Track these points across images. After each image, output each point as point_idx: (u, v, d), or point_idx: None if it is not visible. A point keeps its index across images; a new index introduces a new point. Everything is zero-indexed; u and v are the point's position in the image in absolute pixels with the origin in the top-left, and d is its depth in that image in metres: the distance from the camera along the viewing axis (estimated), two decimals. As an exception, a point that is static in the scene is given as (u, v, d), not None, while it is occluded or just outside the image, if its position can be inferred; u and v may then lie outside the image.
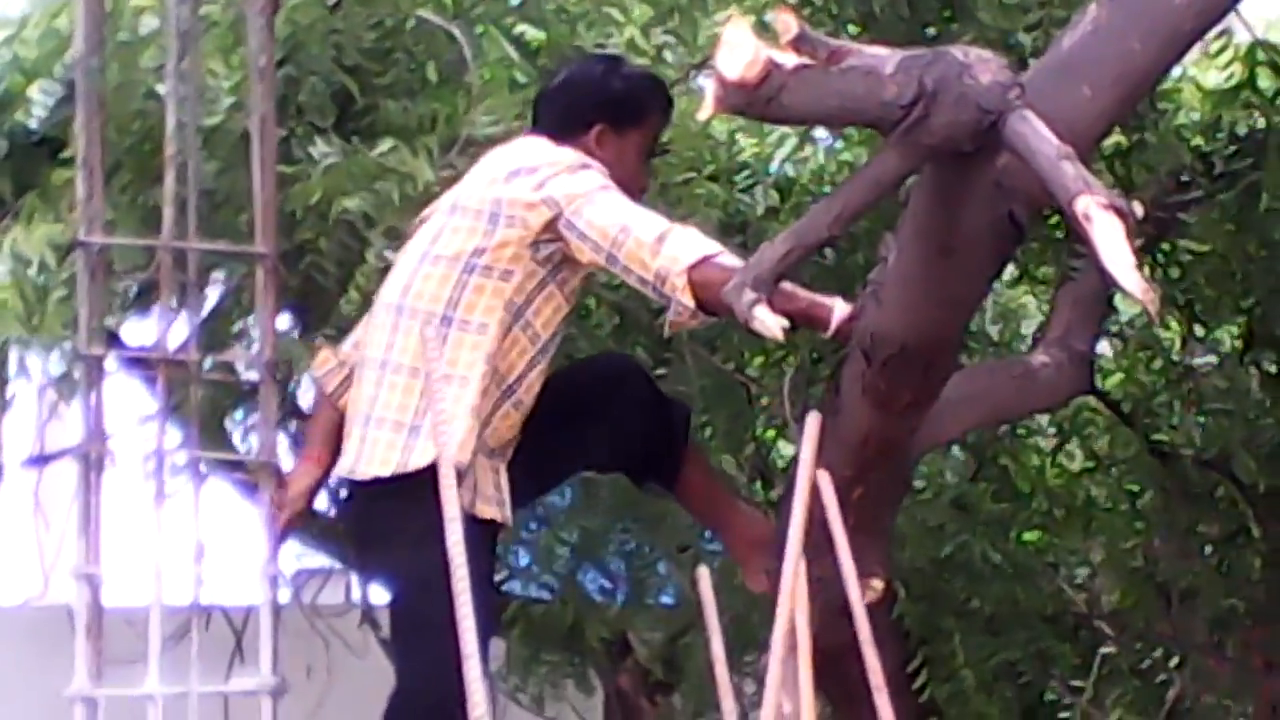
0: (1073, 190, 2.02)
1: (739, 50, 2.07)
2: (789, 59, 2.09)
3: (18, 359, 2.99)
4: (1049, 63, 2.32)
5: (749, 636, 2.89)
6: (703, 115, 2.16)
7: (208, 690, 2.43)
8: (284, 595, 3.77)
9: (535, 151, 2.53)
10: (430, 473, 2.29)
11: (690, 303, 2.37)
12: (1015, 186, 2.23)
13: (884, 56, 2.12)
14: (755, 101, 2.10)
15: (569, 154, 2.50)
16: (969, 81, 2.08)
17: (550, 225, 2.45)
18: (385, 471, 2.45)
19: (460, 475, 2.34)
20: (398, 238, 2.81)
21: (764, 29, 2.42)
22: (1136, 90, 2.35)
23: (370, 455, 2.48)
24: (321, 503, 3.96)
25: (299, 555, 3.87)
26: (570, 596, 3.59)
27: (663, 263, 2.37)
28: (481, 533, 2.43)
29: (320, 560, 3.97)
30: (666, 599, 3.84)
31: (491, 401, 2.47)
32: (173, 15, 2.58)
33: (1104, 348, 3.30)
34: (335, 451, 2.55)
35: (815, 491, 2.55)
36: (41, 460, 3.44)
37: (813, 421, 1.79)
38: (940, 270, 2.34)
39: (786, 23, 2.09)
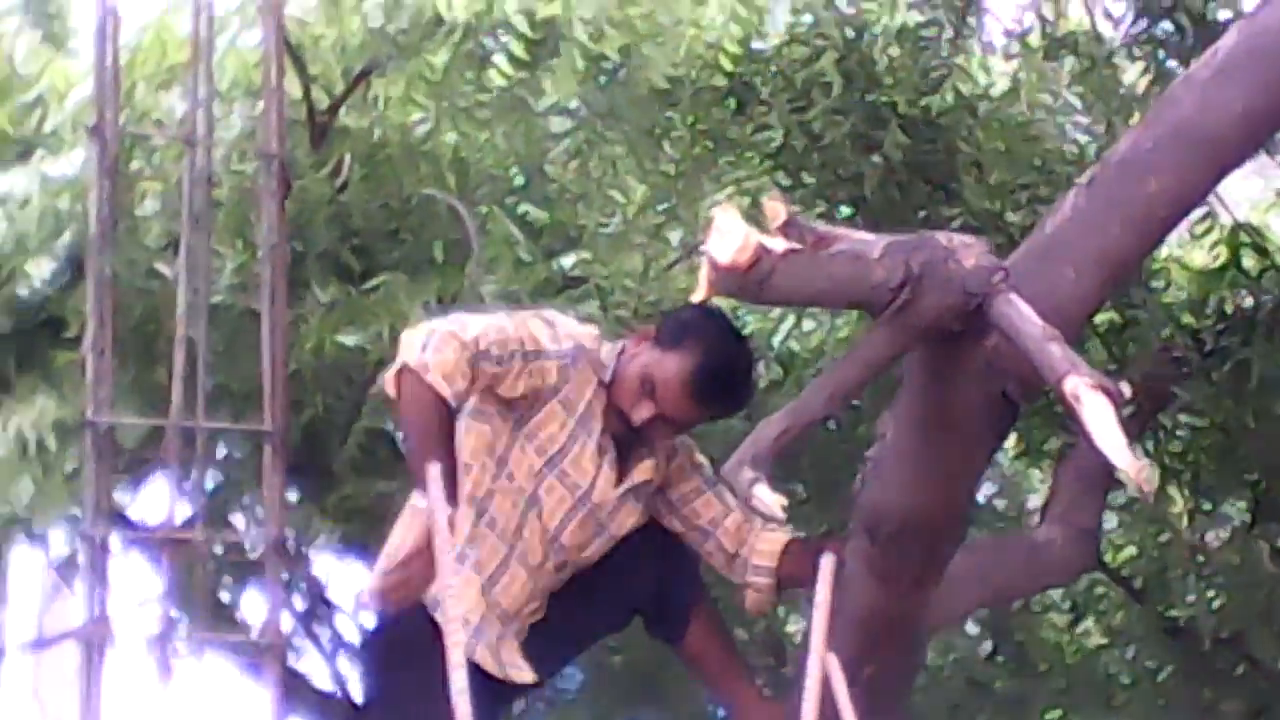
0: (1060, 371, 2.12)
1: (729, 236, 2.20)
2: (778, 244, 2.22)
3: (20, 539, 3.09)
4: (1033, 246, 2.44)
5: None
6: (696, 298, 2.29)
7: None
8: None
9: None
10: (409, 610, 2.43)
11: (391, 392, 2.47)
12: (1007, 366, 2.33)
13: (871, 241, 2.25)
14: (746, 285, 2.22)
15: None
16: (954, 265, 2.20)
17: None
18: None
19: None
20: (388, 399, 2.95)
21: (757, 210, 2.56)
22: (1118, 272, 2.47)
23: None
24: (322, 679, 4.00)
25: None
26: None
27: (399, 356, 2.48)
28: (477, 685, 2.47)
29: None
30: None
31: (490, 552, 2.54)
32: (187, 199, 2.73)
33: (1112, 523, 3.38)
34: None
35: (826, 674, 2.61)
36: (42, 644, 3.50)
37: (827, 563, 1.81)
38: (936, 447, 2.43)
39: (775, 209, 2.23)
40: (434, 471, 2.24)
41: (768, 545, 2.65)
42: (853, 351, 2.45)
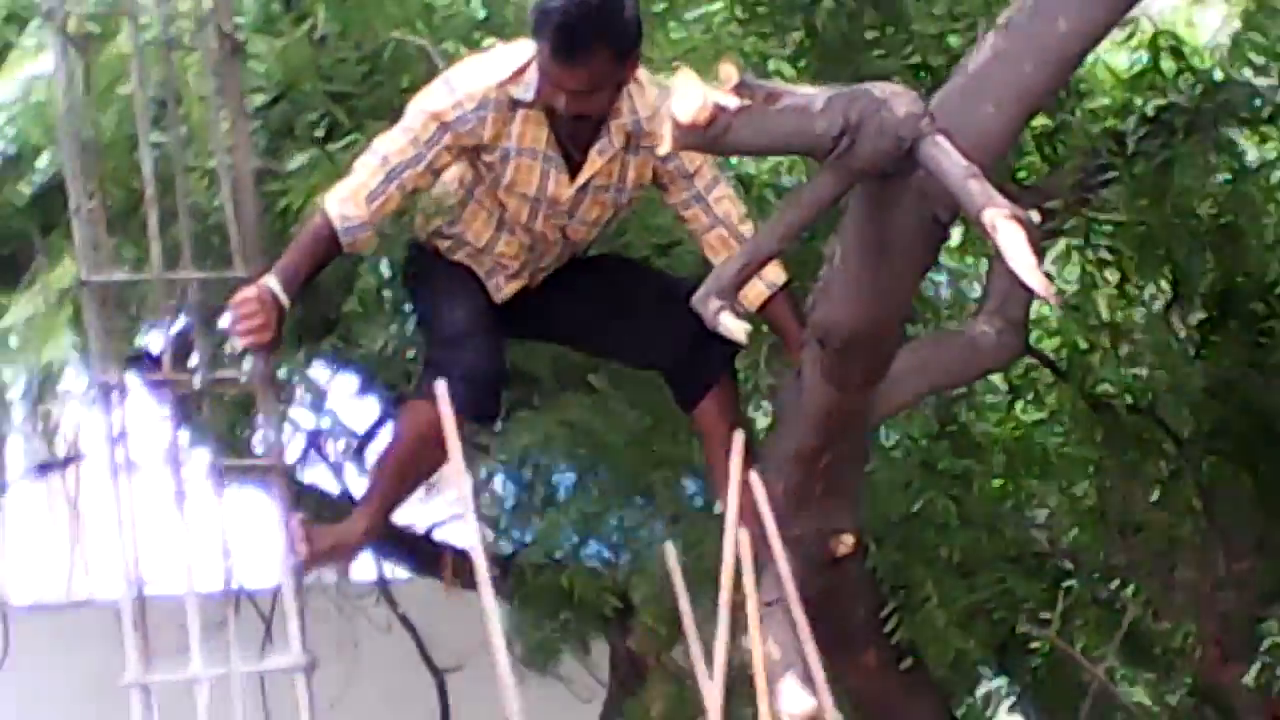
0: (979, 204, 2.52)
1: (689, 97, 2.57)
2: (732, 101, 2.59)
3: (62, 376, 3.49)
4: (957, 84, 2.80)
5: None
6: (661, 152, 2.66)
7: (248, 670, 2.87)
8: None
9: None
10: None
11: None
12: (935, 193, 2.74)
13: (813, 95, 2.62)
14: (706, 139, 2.59)
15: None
16: (886, 114, 2.57)
17: None
18: None
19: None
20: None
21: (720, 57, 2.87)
22: (1035, 106, 2.84)
23: None
24: (329, 486, 4.48)
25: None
26: (575, 567, 4.10)
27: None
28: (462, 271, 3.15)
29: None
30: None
31: (482, 223, 3.14)
32: (135, 74, 2.94)
33: (1044, 310, 3.82)
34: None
35: (791, 462, 3.09)
36: (44, 469, 3.94)
37: (738, 440, 2.12)
38: (877, 268, 2.84)
39: (729, 71, 2.59)
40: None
41: (753, 290, 3.08)
42: (798, 194, 2.84)
